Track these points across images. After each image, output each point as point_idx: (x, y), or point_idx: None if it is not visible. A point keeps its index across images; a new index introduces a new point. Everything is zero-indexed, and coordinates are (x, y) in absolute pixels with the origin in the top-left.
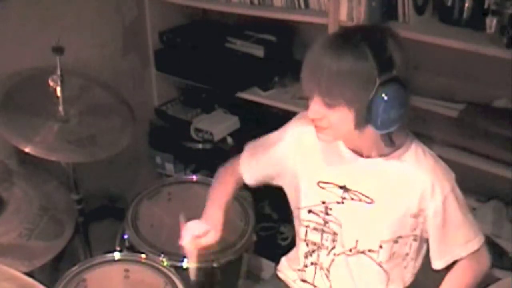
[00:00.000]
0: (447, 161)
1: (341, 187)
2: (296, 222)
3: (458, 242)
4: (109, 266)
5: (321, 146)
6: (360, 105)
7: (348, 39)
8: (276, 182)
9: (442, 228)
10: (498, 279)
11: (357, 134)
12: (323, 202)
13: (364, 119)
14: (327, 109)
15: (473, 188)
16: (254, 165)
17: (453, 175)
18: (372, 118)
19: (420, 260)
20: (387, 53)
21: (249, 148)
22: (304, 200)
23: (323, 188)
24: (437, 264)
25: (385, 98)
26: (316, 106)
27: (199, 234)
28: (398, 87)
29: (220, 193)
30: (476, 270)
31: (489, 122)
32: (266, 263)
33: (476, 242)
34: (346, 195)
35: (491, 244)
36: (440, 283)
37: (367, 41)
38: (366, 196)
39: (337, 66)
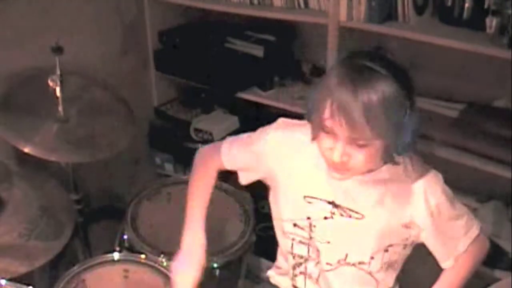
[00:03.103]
0: (447, 161)
1: (329, 203)
2: (278, 233)
3: (459, 235)
4: (108, 267)
5: (308, 161)
6: (396, 135)
7: (364, 68)
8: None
9: (441, 230)
10: (498, 279)
11: None
12: (308, 218)
13: (393, 148)
14: (358, 149)
15: (473, 188)
16: (234, 155)
17: (440, 176)
18: (400, 145)
19: (402, 263)
20: (404, 75)
21: (229, 142)
22: (288, 213)
23: (310, 203)
24: (447, 264)
25: (414, 122)
26: (346, 149)
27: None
28: (417, 110)
29: (201, 198)
30: (475, 254)
31: (489, 122)
32: (266, 263)
33: (475, 228)
34: (335, 210)
35: (491, 244)
36: (433, 273)
37: (383, 65)
38: (356, 212)
39: (373, 101)
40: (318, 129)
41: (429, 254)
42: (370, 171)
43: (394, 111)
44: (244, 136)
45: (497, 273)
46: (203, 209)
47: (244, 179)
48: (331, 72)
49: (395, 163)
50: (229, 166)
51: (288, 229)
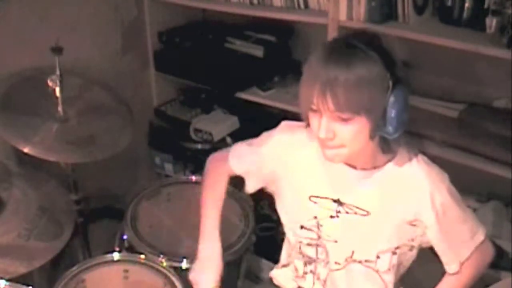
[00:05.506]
0: (447, 161)
1: (335, 201)
2: (289, 234)
3: (464, 239)
4: (108, 267)
5: (312, 160)
6: (378, 112)
7: (348, 46)
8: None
9: (447, 232)
10: (498, 279)
11: (363, 147)
12: (315, 217)
13: (378, 126)
14: (341, 124)
15: (473, 188)
16: (241, 159)
17: (446, 176)
18: (387, 124)
19: (408, 266)
20: (389, 54)
21: (237, 147)
22: (296, 216)
23: (315, 202)
24: (453, 268)
25: (398, 100)
26: (330, 124)
27: None
28: (404, 88)
29: (214, 206)
30: (479, 260)
31: (489, 122)
32: (265, 263)
33: (480, 234)
34: (340, 208)
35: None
36: (435, 274)
37: (368, 44)
38: (361, 209)
39: (352, 75)
40: (307, 111)
41: (431, 257)
42: (374, 167)
43: (375, 87)
44: (251, 140)
45: (497, 273)
46: (216, 216)
47: (251, 186)
48: (315, 52)
49: (392, 151)
50: (237, 171)
51: (296, 231)
